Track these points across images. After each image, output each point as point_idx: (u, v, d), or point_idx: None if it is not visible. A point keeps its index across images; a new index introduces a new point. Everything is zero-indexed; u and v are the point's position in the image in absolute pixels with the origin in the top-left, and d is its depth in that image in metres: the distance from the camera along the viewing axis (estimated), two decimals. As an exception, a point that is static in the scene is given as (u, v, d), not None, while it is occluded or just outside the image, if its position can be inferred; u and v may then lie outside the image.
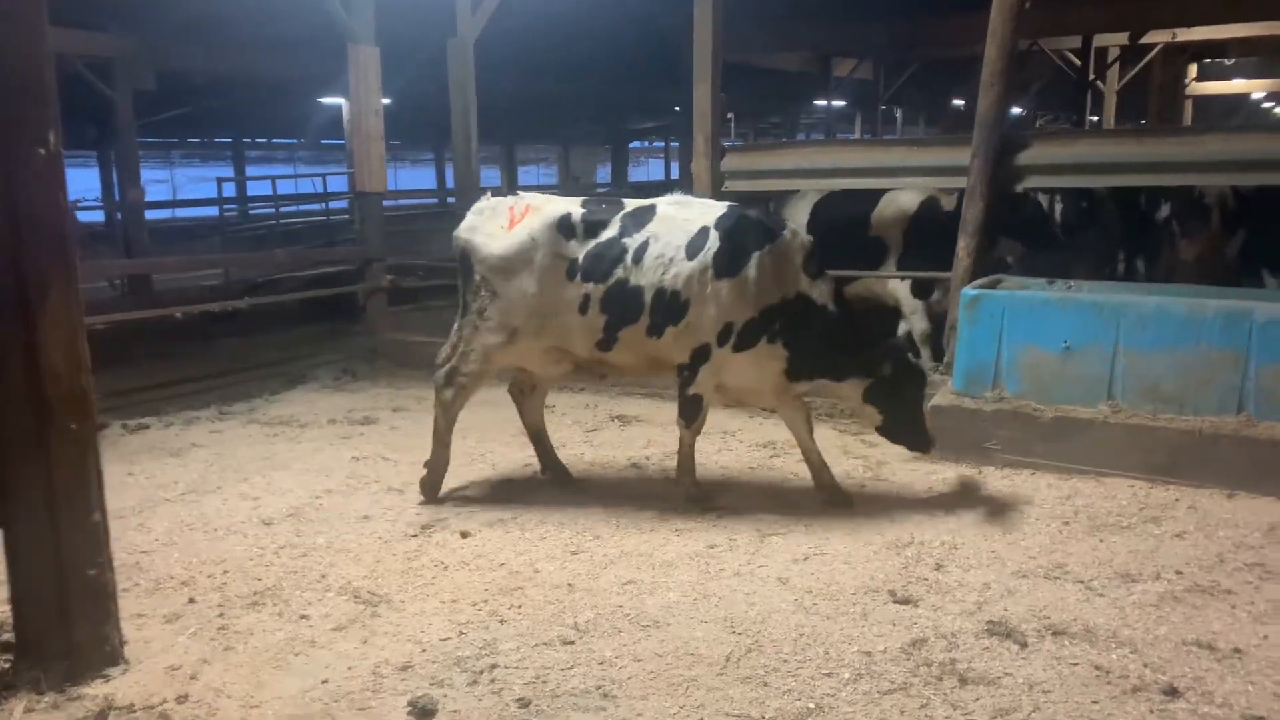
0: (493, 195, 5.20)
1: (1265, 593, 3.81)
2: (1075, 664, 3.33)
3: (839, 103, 21.46)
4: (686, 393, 4.87)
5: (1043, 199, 7.67)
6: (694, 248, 4.70)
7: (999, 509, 4.80)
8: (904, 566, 4.18)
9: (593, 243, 4.80)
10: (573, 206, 4.93)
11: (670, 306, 4.71)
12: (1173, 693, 3.13)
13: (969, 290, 5.81)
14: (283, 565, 4.33)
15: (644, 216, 4.84)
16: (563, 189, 23.30)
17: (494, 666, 3.41)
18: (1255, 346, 4.93)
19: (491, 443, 6.14)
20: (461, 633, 3.67)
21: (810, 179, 7.33)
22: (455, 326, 5.08)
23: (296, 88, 15.02)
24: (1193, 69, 24.77)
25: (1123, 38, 14.59)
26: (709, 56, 6.95)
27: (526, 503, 5.07)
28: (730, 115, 21.32)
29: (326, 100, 15.36)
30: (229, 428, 6.69)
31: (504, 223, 4.90)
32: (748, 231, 4.74)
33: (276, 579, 4.18)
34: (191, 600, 3.99)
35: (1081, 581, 3.97)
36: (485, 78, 8.62)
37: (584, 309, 4.78)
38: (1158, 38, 14.97)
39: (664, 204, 4.91)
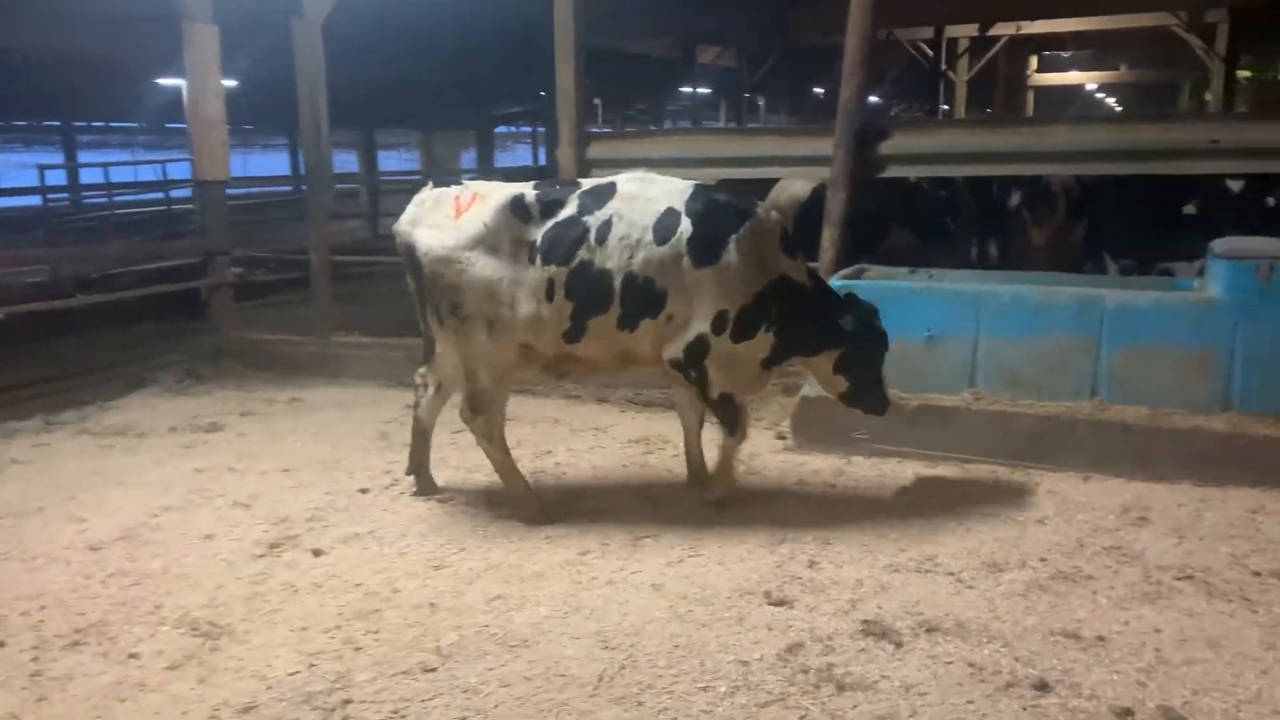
0: (431, 186, 4.82)
1: (1123, 577, 3.89)
2: (950, 662, 3.30)
3: (704, 90, 21.56)
4: (713, 397, 4.59)
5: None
6: (663, 231, 4.41)
7: (869, 500, 4.79)
8: (778, 565, 4.10)
9: (550, 223, 4.48)
10: (524, 188, 4.62)
11: (645, 296, 4.42)
12: (1043, 687, 3.13)
13: (834, 281, 5.78)
14: (110, 597, 3.91)
15: (603, 194, 4.53)
16: (427, 176, 22.64)
17: (347, 702, 3.14)
18: (1106, 332, 5.07)
19: (347, 448, 5.78)
20: (312, 665, 3.37)
21: (679, 168, 7.18)
22: (426, 336, 4.78)
23: (130, 68, 13.96)
24: (1034, 61, 25.98)
25: (972, 29, 15.08)
26: (570, 37, 6.72)
27: (386, 514, 4.76)
28: (597, 101, 21.12)
29: (165, 82, 14.36)
30: (56, 440, 6.11)
31: (449, 212, 4.56)
32: (720, 211, 4.49)
33: (103, 613, 3.77)
34: (0, 644, 3.55)
35: (952, 573, 3.97)
36: (338, 60, 8.15)
37: (549, 294, 4.44)
38: (1004, 30, 15.54)
39: (624, 181, 4.61)
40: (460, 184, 4.72)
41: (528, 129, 31.00)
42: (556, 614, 3.70)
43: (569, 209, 4.49)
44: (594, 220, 4.45)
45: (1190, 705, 3.01)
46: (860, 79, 6.10)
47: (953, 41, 16.24)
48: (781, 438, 5.76)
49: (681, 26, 12.36)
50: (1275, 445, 4.74)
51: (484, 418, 4.61)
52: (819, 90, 23.70)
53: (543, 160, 27.20)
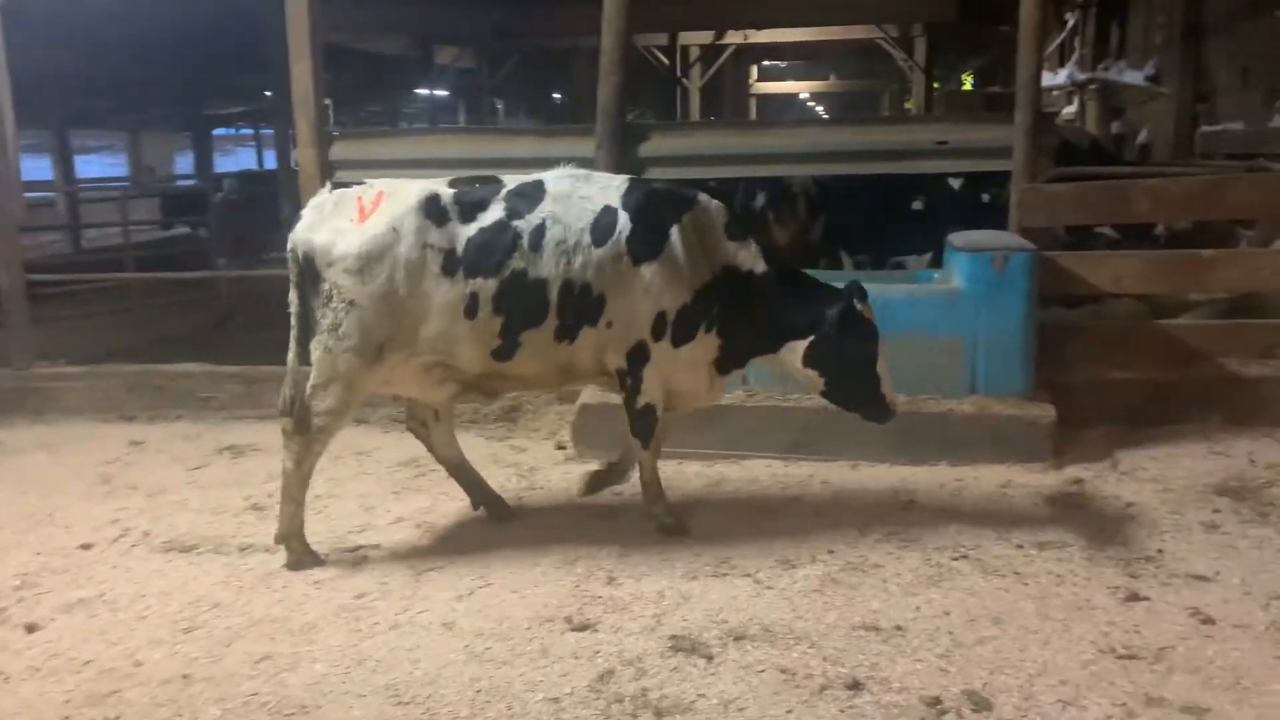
0: (333, 187, 4.23)
1: (907, 562, 3.99)
2: (762, 670, 3.21)
3: (442, 92, 20.93)
4: (635, 405, 4.19)
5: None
6: (601, 231, 4.03)
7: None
8: (576, 585, 3.87)
9: (473, 228, 3.99)
10: (439, 186, 4.08)
11: (582, 303, 4.02)
12: (856, 686, 3.10)
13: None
14: None
15: (533, 195, 4.08)
16: (135, 182, 20.44)
17: (86, 815, 2.58)
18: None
19: (61, 497, 4.95)
20: (35, 773, 2.76)
21: (435, 170, 6.76)
22: (291, 353, 4.07)
23: None
24: (754, 70, 27.35)
25: (705, 37, 15.56)
26: (305, 31, 6.14)
27: (117, 572, 4.08)
28: (329, 101, 19.95)
29: None
30: None
31: (352, 215, 3.99)
32: (660, 204, 4.12)
33: None
34: None
35: (749, 575, 3.91)
36: (25, 51, 7.02)
37: (472, 311, 3.96)
38: (733, 39, 16.17)
39: (552, 180, 4.16)
40: (361, 183, 4.16)
41: (250, 130, 28.84)
42: (337, 670, 3.27)
43: (494, 211, 4.03)
44: (526, 225, 4.01)
45: (990, 685, 3.09)
46: (619, 79, 5.99)
47: (686, 49, 16.71)
48: (562, 447, 5.54)
49: (418, 24, 11.83)
50: (1015, 423, 5.08)
51: (303, 440, 4.04)
52: (557, 96, 23.76)
53: (270, 164, 25.40)
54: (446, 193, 4.06)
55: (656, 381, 4.19)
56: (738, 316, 4.19)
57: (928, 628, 3.45)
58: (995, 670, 3.17)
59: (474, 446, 5.58)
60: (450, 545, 4.28)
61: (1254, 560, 3.87)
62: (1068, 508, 4.49)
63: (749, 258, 4.20)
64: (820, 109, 38.21)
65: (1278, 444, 5.16)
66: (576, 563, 4.06)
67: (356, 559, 4.18)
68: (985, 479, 4.88)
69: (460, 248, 3.97)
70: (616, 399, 5.35)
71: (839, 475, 5.01)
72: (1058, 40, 15.84)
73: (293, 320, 4.09)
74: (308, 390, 4.02)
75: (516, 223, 4.01)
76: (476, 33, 13.30)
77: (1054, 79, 14.50)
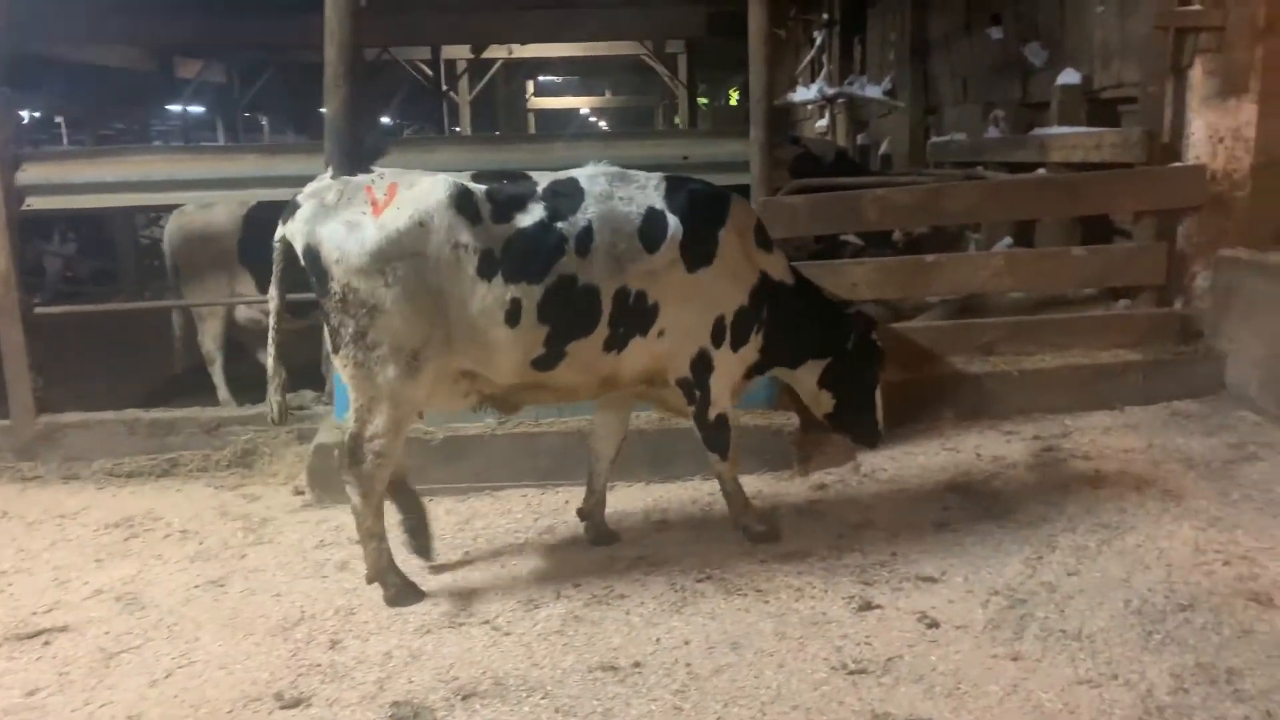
0: (331, 173, 3.72)
1: (651, 589, 3.84)
2: (489, 732, 2.95)
3: (196, 108, 19.47)
4: (708, 418, 3.99)
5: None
6: (651, 236, 3.73)
7: (396, 552, 4.28)
8: (293, 654, 3.47)
9: (510, 228, 3.58)
10: (463, 180, 3.63)
11: (635, 313, 3.74)
12: (587, 737, 2.89)
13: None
14: None
15: (573, 194, 3.71)
16: None
17: None
18: (613, 344, 5.08)
19: None
20: None
21: (146, 193, 6.11)
22: (271, 358, 3.64)
23: None
24: (530, 85, 27.19)
25: (467, 51, 15.20)
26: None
27: None
28: (59, 120, 18.09)
29: None
30: None
31: (364, 208, 3.49)
32: (705, 204, 3.87)
33: None
34: None
35: (488, 621, 3.64)
36: None
37: (513, 319, 3.57)
38: (498, 53, 15.89)
39: (586, 178, 3.79)
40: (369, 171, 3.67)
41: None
42: (-17, 794, 2.74)
43: (534, 212, 3.64)
44: (571, 228, 3.63)
45: (721, 718, 2.96)
46: (346, 92, 5.56)
47: (451, 63, 16.28)
48: (300, 493, 5.07)
49: (147, 34, 10.81)
50: (761, 433, 5.08)
51: (363, 470, 3.60)
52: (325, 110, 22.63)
53: None
54: (477, 188, 3.64)
55: (725, 388, 4.02)
56: (774, 323, 4.09)
57: (666, 661, 3.29)
58: (730, 702, 3.05)
59: (201, 498, 5.08)
60: (154, 619, 3.76)
61: (977, 556, 3.97)
62: (810, 516, 4.50)
63: (780, 268, 4.11)
64: (603, 124, 38.65)
65: (1001, 436, 5.44)
66: (297, 626, 3.65)
67: (37, 646, 3.58)
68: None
69: (499, 249, 3.57)
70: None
71: (593, 499, 4.82)
72: (809, 57, 16.61)
73: (271, 320, 3.63)
74: (350, 416, 3.62)
75: (560, 225, 3.65)
76: (217, 44, 12.34)
77: (806, 94, 15.19)
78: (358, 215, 3.52)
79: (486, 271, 3.56)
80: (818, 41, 16.31)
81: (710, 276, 3.89)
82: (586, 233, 3.67)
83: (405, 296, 3.49)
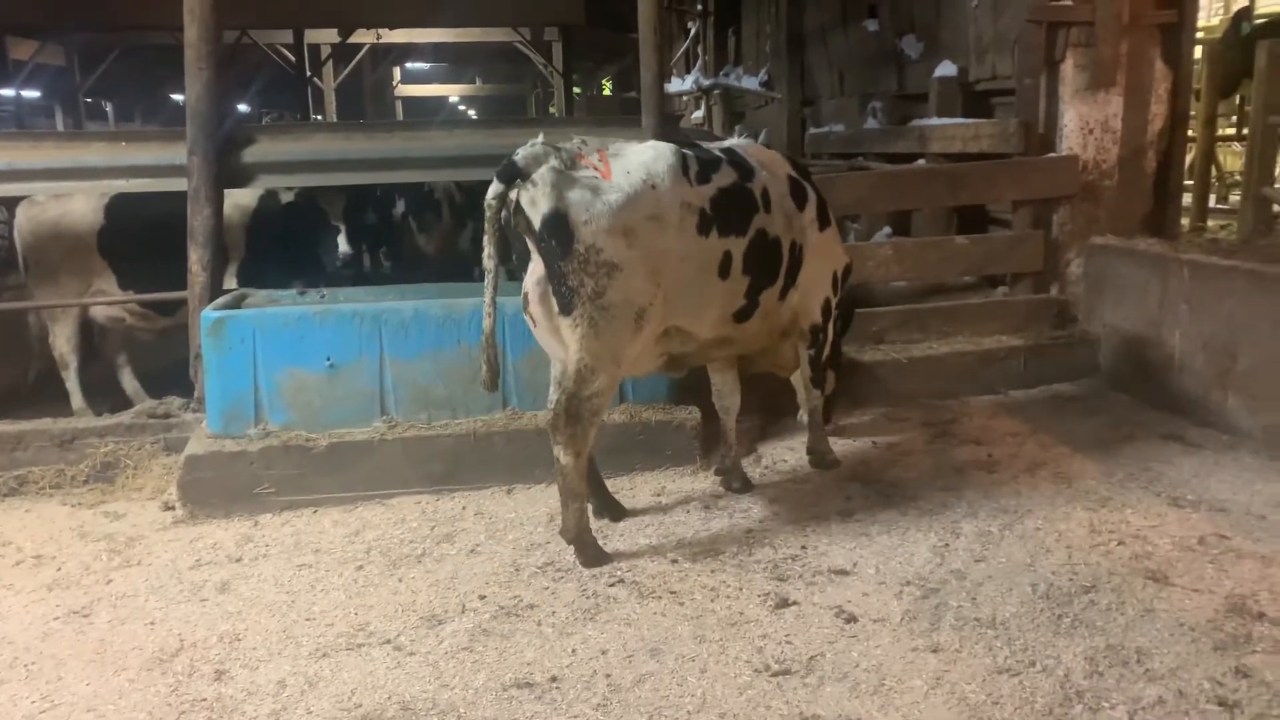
0: (543, 138, 3.75)
1: (562, 597, 3.68)
2: (401, 763, 2.74)
3: (31, 93, 18.03)
4: (820, 358, 4.64)
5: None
6: (798, 197, 4.33)
7: (282, 569, 4.01)
8: (174, 689, 3.16)
9: (710, 188, 3.92)
10: (667, 145, 3.92)
11: (794, 263, 4.29)
12: (508, 762, 2.73)
13: (211, 312, 4.85)
14: None
15: (743, 159, 4.15)
16: None
17: None
18: (509, 339, 4.90)
19: None
20: None
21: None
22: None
23: None
24: (398, 72, 26.41)
25: (333, 35, 14.55)
26: None
27: None
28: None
29: None
30: None
31: (590, 172, 3.67)
32: (808, 174, 4.55)
33: None
34: None
35: (389, 641, 3.41)
36: None
37: (725, 271, 3.96)
38: (365, 38, 15.29)
39: (739, 149, 4.26)
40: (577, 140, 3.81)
41: None
42: None
43: (726, 174, 4.00)
44: (755, 187, 4.08)
45: (650, 732, 2.84)
46: (209, 75, 5.17)
47: (315, 47, 15.57)
48: (170, 508, 4.67)
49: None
50: (663, 428, 4.96)
51: (579, 429, 3.76)
52: (178, 96, 21.37)
53: None
54: (688, 152, 3.95)
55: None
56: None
57: (584, 674, 3.15)
58: (655, 713, 2.93)
59: (56, 518, 4.65)
60: (7, 658, 3.37)
61: (885, 546, 3.98)
62: (717, 511, 4.43)
63: None
64: (473, 113, 37.99)
65: (894, 424, 5.51)
66: (176, 657, 3.34)
67: None
68: (641, 489, 4.73)
69: (708, 206, 3.89)
70: (233, 444, 4.68)
71: (493, 504, 4.63)
72: (683, 48, 16.64)
73: (488, 289, 3.75)
74: (571, 373, 3.73)
75: (749, 184, 4.06)
76: (51, 24, 11.38)
77: (682, 85, 15.20)
78: (592, 179, 3.68)
79: (705, 227, 3.89)
80: (692, 32, 16.36)
81: (830, 236, 4.55)
82: (765, 193, 4.12)
83: (642, 256, 3.70)
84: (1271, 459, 4.67)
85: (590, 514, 4.12)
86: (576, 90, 25.14)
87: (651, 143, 3.97)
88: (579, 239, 3.61)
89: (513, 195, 3.68)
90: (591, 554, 3.92)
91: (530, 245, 3.76)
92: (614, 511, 4.41)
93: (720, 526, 4.26)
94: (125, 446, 5.12)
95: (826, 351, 4.71)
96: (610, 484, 4.57)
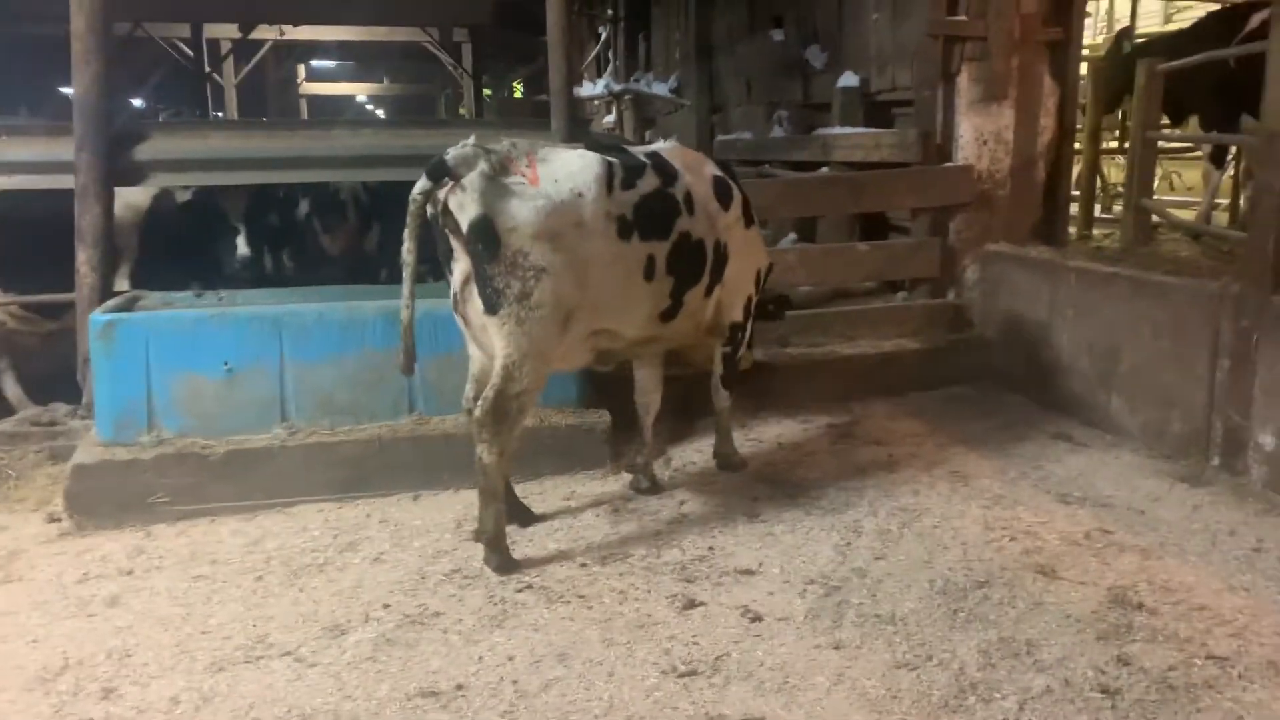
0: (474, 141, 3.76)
1: (469, 604, 3.64)
2: (300, 779, 2.66)
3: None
4: (736, 356, 4.74)
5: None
6: (722, 196, 4.41)
7: (177, 581, 3.86)
8: (58, 709, 3.01)
9: (634, 194, 4.00)
10: (595, 154, 3.96)
11: (718, 261, 4.37)
12: (413, 773, 2.68)
13: (100, 315, 4.65)
14: None
15: (667, 163, 4.22)
16: None
17: None
18: (418, 343, 4.81)
19: None
20: None
21: None
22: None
23: None
24: (302, 69, 25.76)
25: (233, 30, 14.11)
26: None
27: None
28: None
29: None
30: None
31: (518, 178, 3.73)
32: (733, 173, 4.65)
33: None
34: None
35: (289, 653, 3.31)
36: None
37: (649, 273, 4.06)
38: (267, 34, 14.88)
39: (666, 152, 4.34)
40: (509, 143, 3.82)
41: None
42: None
43: (649, 180, 4.07)
44: (678, 191, 4.17)
45: (557, 738, 2.83)
46: (98, 68, 4.95)
47: (215, 42, 15.06)
48: (55, 520, 4.45)
49: None
50: (573, 431, 4.96)
51: (504, 427, 3.83)
52: (68, 90, 20.44)
53: None
54: (614, 160, 3.99)
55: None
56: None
57: (491, 681, 3.12)
58: (561, 719, 2.91)
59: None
60: None
61: (790, 546, 4.05)
62: (627, 514, 4.44)
63: None
64: (381, 113, 37.30)
65: (799, 425, 5.61)
66: (61, 675, 3.18)
67: None
68: (551, 494, 4.71)
69: (630, 213, 3.97)
70: (125, 452, 4.51)
71: (399, 511, 4.54)
72: (594, 53, 16.66)
73: (406, 281, 3.80)
74: (499, 370, 3.80)
75: (670, 190, 4.14)
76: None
77: (593, 89, 15.21)
78: (519, 186, 3.74)
79: (626, 232, 3.97)
80: (603, 37, 16.39)
81: (754, 235, 4.65)
82: (689, 195, 4.21)
83: (567, 261, 3.77)
84: (1150, 456, 4.92)
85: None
86: (487, 92, 24.91)
87: (580, 151, 3.99)
88: (505, 244, 3.70)
89: (440, 194, 3.73)
90: (503, 559, 3.92)
91: (456, 246, 3.81)
92: (523, 517, 4.38)
93: (630, 530, 4.27)
94: (7, 455, 4.88)
95: (741, 351, 4.78)
96: (519, 489, 4.53)
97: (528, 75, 24.80)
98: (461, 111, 19.18)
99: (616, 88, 14.30)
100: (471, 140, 3.78)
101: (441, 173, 3.69)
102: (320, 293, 5.31)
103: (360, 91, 32.47)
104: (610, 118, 15.45)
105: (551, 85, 5.66)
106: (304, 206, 7.80)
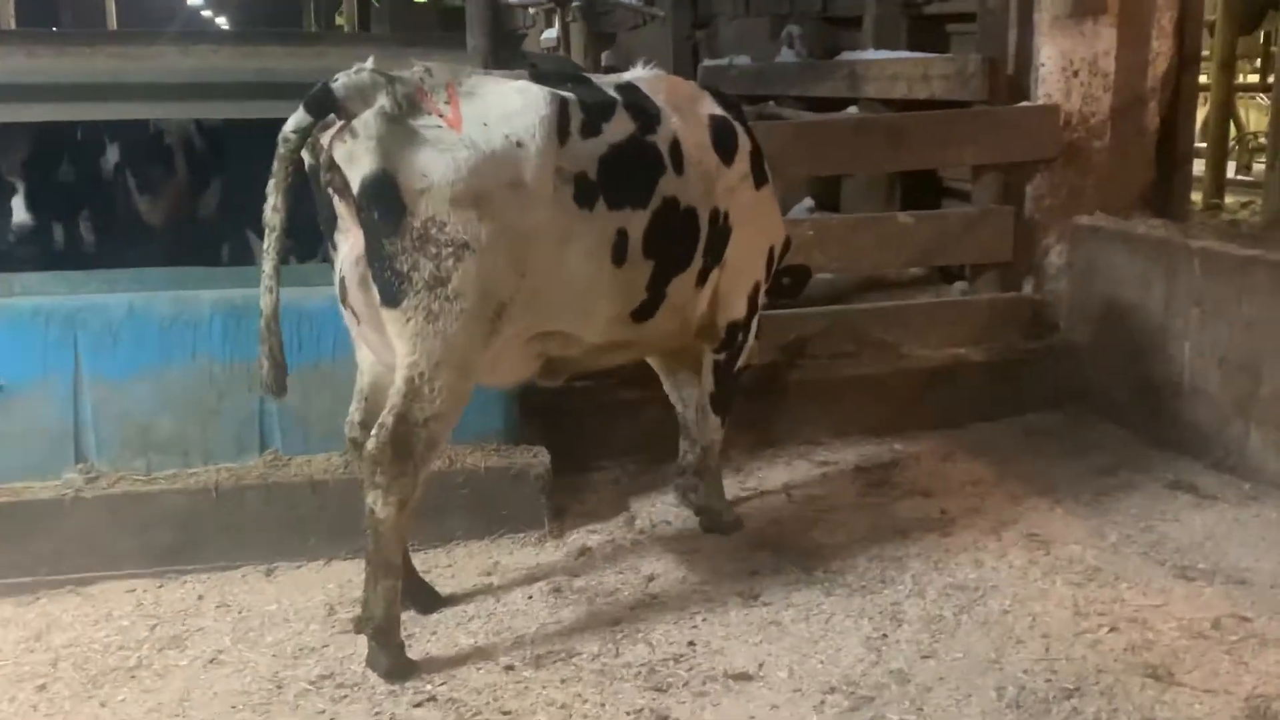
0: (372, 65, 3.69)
1: (346, 723, 3.62)
2: None
3: None
4: (733, 368, 4.81)
5: None
6: (724, 146, 4.44)
7: None
8: None
9: (599, 143, 3.98)
10: (540, 88, 3.89)
11: (717, 237, 4.41)
12: None
13: None
14: None
15: (646, 100, 4.21)
16: None
17: None
18: (271, 352, 4.80)
19: None
20: None
21: None
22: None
23: None
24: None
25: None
26: None
27: None
28: None
29: None
30: None
31: (433, 120, 3.66)
32: (740, 111, 4.66)
33: None
34: None
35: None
36: None
37: (620, 255, 4.04)
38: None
39: (647, 83, 4.33)
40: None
41: None
42: None
43: (621, 122, 4.06)
44: (661, 140, 4.15)
45: None
46: None
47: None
48: None
49: None
50: (498, 478, 4.96)
51: (408, 466, 3.77)
52: None
53: None
54: (568, 96, 3.94)
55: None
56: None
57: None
58: None
59: None
60: None
61: (802, 639, 4.08)
62: (573, 596, 4.45)
63: None
64: (224, 21, 37.19)
65: (815, 468, 5.68)
66: None
67: None
68: (464, 566, 4.73)
69: (594, 170, 3.95)
70: None
71: (245, 592, 4.55)
72: (530, -61, 16.71)
73: (270, 252, 3.68)
74: (400, 387, 3.75)
75: (650, 137, 4.13)
76: None
77: (528, -9, 15.26)
78: (434, 131, 3.67)
79: (587, 198, 3.95)
80: (543, -81, 16.45)
81: (766, 197, 4.69)
82: (675, 145, 4.20)
83: (500, 233, 3.73)
84: (1303, 513, 5.01)
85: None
86: (377, -7, 24.93)
87: (522, 83, 3.94)
88: (413, 210, 3.65)
89: (324, 139, 3.67)
90: (396, 659, 3.90)
91: (345, 212, 3.77)
92: (425, 600, 4.37)
93: (576, 616, 4.28)
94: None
95: (743, 361, 4.87)
96: (421, 561, 4.54)
97: (436, -29, 24.80)
98: (339, 21, 19.18)
99: (561, -10, 14.37)
100: (369, 65, 3.71)
101: (326, 106, 3.61)
102: (135, 277, 5.25)
103: (194, -9, 32.33)
104: (551, 32, 15.50)
105: (469, -12, 5.66)
106: (112, 155, 7.76)
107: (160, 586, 4.54)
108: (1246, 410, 5.41)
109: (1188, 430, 5.71)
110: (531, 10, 15.76)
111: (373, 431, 3.82)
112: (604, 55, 14.40)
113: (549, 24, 15.58)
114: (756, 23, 10.63)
